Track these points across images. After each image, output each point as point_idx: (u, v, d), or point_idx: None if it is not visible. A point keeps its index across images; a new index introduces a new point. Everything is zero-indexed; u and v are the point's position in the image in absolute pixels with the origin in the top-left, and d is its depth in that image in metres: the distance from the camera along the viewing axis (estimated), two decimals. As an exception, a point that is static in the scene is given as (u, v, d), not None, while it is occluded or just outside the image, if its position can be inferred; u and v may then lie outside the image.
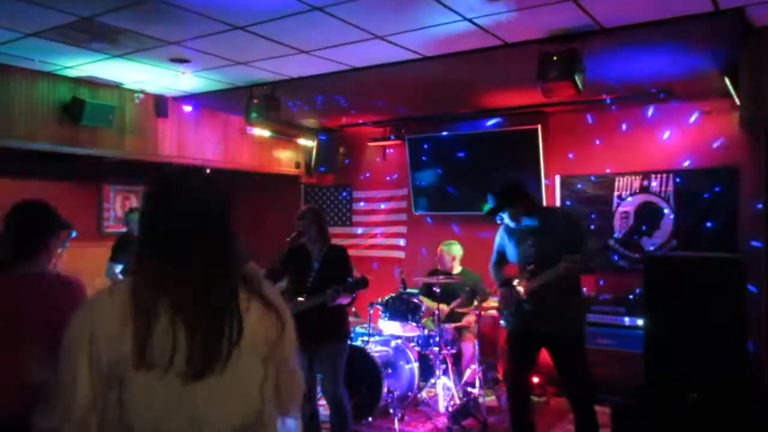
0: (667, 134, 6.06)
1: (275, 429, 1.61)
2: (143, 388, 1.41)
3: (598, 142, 6.44)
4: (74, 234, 2.61)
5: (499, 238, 4.30)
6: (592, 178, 6.39)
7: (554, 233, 3.88)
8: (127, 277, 1.51)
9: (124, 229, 6.42)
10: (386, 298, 5.78)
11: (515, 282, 4.03)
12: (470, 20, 4.01)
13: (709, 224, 5.76)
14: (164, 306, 1.42)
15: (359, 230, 8.16)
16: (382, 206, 7.99)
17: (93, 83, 5.75)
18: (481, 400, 5.36)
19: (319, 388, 4.41)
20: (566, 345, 3.89)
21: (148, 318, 1.40)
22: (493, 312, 6.17)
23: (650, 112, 6.13)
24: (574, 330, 3.92)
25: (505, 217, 4.05)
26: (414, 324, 5.56)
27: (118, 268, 5.69)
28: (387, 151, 7.86)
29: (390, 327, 5.72)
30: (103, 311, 1.44)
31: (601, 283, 6.24)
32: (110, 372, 1.42)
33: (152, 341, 1.39)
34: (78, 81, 5.65)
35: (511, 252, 4.15)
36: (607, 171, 6.34)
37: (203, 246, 1.49)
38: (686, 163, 5.94)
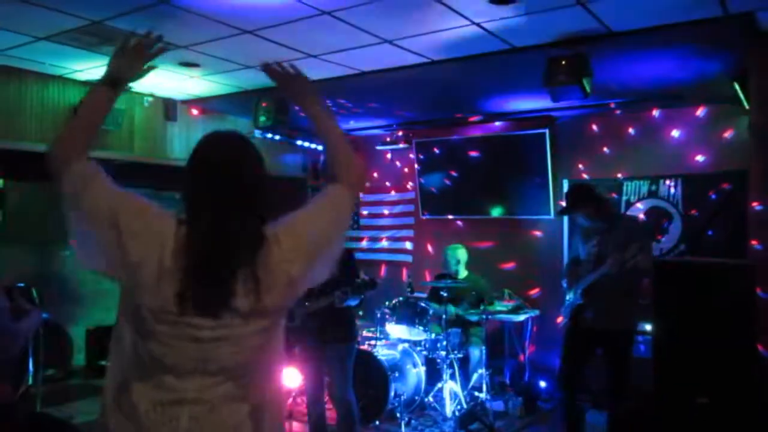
0: (675, 138, 6.04)
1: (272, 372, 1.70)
2: (164, 323, 1.51)
3: (606, 146, 6.42)
4: None
5: (576, 239, 4.61)
6: (601, 182, 6.37)
7: (617, 235, 4.14)
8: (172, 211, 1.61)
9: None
10: (393, 301, 5.78)
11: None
12: (479, 24, 4.01)
13: (717, 229, 5.73)
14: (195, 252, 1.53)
15: (366, 234, 8.17)
16: (390, 210, 8.00)
17: (103, 87, 5.79)
18: (488, 404, 5.34)
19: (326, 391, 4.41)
20: (614, 342, 4.15)
21: (195, 273, 1.51)
22: (500, 316, 6.17)
23: (658, 116, 6.12)
24: (623, 327, 4.16)
25: (580, 217, 4.34)
26: (421, 328, 5.55)
27: None
28: (394, 154, 7.86)
29: (397, 331, 5.71)
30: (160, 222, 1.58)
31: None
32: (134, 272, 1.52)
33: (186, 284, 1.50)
34: (88, 84, 5.69)
35: (581, 250, 4.42)
36: (616, 175, 6.32)
37: (233, 201, 1.58)
38: (695, 168, 5.91)
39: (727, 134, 5.76)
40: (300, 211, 1.71)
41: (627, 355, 4.18)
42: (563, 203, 4.55)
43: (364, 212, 8.20)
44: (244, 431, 1.58)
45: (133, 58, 1.81)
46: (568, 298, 4.49)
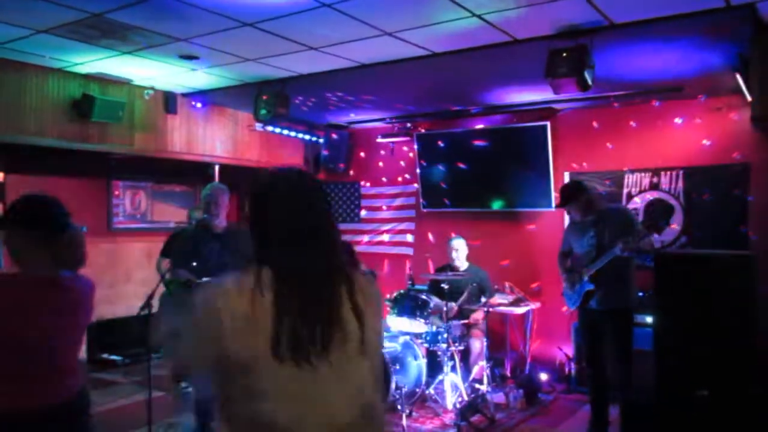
0: (677, 131, 6.03)
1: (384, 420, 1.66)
2: (274, 377, 1.45)
3: (607, 138, 6.41)
4: (84, 229, 2.60)
5: (566, 233, 5.03)
6: (602, 174, 6.37)
7: (611, 224, 4.54)
8: (243, 271, 1.54)
9: (173, 225, 6.41)
10: (394, 294, 5.79)
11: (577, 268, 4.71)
12: (479, 16, 4.00)
13: (719, 221, 5.73)
14: (291, 297, 1.48)
15: (367, 227, 8.17)
16: (391, 203, 8.00)
17: (103, 80, 5.78)
18: (489, 396, 5.36)
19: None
20: (614, 320, 4.51)
21: (285, 310, 1.46)
22: (501, 309, 6.18)
23: (660, 108, 6.10)
24: (625, 306, 4.55)
25: (572, 210, 4.75)
26: (422, 320, 5.56)
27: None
28: (395, 147, 7.85)
29: (398, 323, 5.72)
30: (233, 302, 1.48)
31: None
32: (236, 362, 1.46)
33: (285, 332, 1.45)
34: (88, 77, 5.69)
35: (576, 243, 4.77)
36: (617, 168, 6.31)
37: (314, 240, 1.56)
38: (696, 160, 5.90)
39: (729, 126, 5.75)
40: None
41: (629, 337, 4.54)
42: (557, 199, 4.87)
43: (365, 205, 8.20)
44: None
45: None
46: (566, 286, 4.85)
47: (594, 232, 4.61)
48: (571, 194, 4.70)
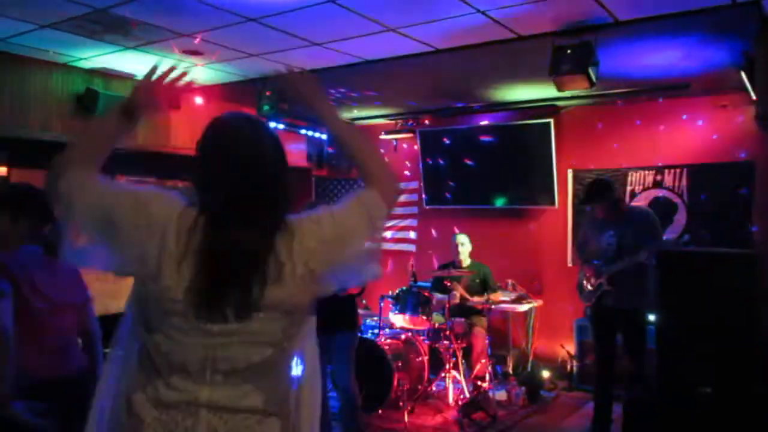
0: (681, 129, 6.01)
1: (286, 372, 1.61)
2: (176, 321, 1.46)
3: (610, 136, 6.40)
4: None
5: (585, 227, 5.01)
6: (605, 172, 6.35)
7: (633, 227, 4.54)
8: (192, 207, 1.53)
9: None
10: (397, 291, 5.79)
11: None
12: (484, 12, 3.99)
13: (722, 219, 5.71)
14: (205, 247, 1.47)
15: (370, 223, 8.16)
16: (393, 199, 7.98)
17: (106, 74, 5.78)
18: (491, 393, 5.36)
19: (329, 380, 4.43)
20: (634, 320, 4.54)
21: (208, 263, 1.45)
22: (503, 306, 6.18)
23: (664, 106, 6.08)
24: (639, 305, 4.58)
25: (597, 208, 4.72)
26: (424, 317, 5.56)
27: None
28: (398, 144, 7.85)
29: (400, 320, 5.73)
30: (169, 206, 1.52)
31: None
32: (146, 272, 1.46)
33: (203, 284, 1.44)
34: (92, 72, 5.68)
35: (594, 239, 4.76)
36: (620, 165, 6.30)
37: (247, 194, 1.51)
38: (700, 158, 5.88)
39: (733, 124, 5.73)
40: (326, 207, 1.63)
41: (643, 335, 4.59)
42: (584, 194, 4.89)
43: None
44: None
45: (151, 92, 1.74)
46: (582, 279, 4.83)
47: (614, 232, 4.61)
48: (600, 192, 4.66)
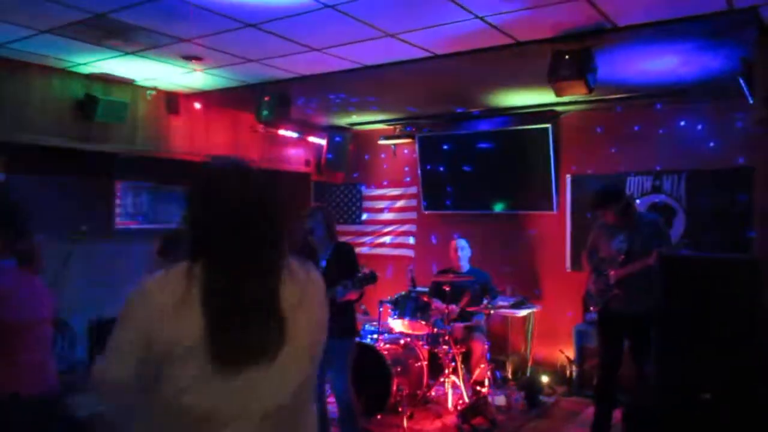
0: (679, 134, 6.02)
1: (311, 411, 1.69)
2: (196, 374, 1.46)
3: (609, 141, 6.40)
4: (84, 231, 2.88)
5: (595, 233, 4.95)
6: (604, 177, 6.36)
7: (643, 232, 4.58)
8: (179, 265, 1.54)
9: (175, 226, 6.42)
10: (396, 296, 5.79)
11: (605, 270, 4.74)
12: (482, 18, 4.00)
13: (721, 224, 5.72)
14: (221, 296, 1.49)
15: (369, 228, 8.17)
16: (392, 205, 8.00)
17: (106, 80, 5.79)
18: (490, 398, 5.35)
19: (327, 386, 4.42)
20: (642, 324, 4.47)
21: (217, 310, 1.47)
22: (502, 311, 6.18)
23: (662, 111, 6.10)
24: (646, 310, 4.44)
25: (607, 214, 4.70)
26: (423, 322, 5.56)
27: None
28: (397, 149, 7.86)
29: (399, 325, 5.72)
30: (161, 294, 1.50)
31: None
32: (161, 352, 1.47)
33: (217, 332, 1.46)
34: (91, 78, 5.69)
35: (605, 245, 4.78)
36: (619, 170, 6.31)
37: (246, 242, 1.54)
38: (699, 163, 5.89)
39: (732, 130, 5.74)
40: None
41: (650, 339, 4.50)
42: (594, 200, 4.85)
43: (367, 207, 8.20)
44: None
45: None
46: (592, 287, 4.84)
47: (624, 237, 4.64)
48: (611, 198, 4.67)
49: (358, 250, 4.56)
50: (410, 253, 7.80)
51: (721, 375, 3.56)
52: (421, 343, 5.67)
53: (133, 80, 5.93)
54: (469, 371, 5.67)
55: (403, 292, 5.83)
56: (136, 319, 1.50)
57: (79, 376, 6.42)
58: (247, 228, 1.54)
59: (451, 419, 5.20)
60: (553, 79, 4.31)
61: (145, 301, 1.50)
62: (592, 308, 4.98)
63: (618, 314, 4.64)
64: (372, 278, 4.08)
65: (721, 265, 3.84)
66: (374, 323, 6.31)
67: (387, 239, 8.03)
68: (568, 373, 6.24)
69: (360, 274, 4.07)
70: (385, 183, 8.07)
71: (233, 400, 1.47)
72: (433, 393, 5.62)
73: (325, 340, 1.72)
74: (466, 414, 5.05)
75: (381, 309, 6.07)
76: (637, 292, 4.51)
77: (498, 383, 5.83)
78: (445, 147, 7.25)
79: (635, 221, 4.67)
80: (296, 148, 7.98)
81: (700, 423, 3.56)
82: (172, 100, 6.38)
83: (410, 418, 5.18)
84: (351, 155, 8.15)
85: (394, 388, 5.20)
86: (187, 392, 1.45)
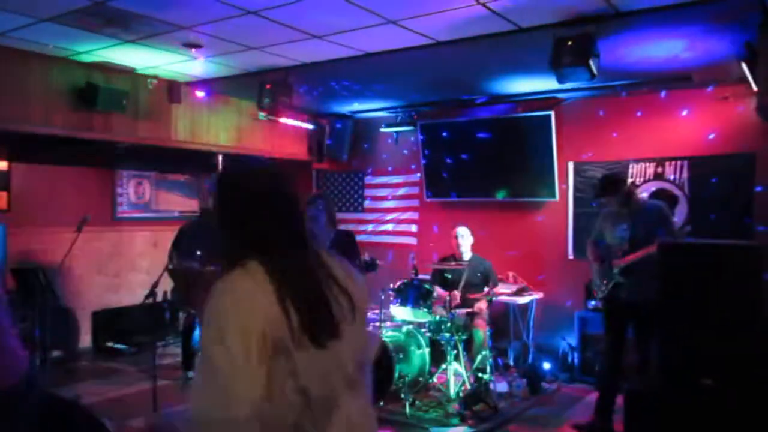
0: (682, 120, 6.00)
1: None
2: (305, 356, 1.50)
3: (611, 128, 6.38)
4: (88, 218, 2.72)
5: (600, 220, 5.00)
6: (606, 164, 6.35)
7: (646, 220, 4.59)
8: (248, 265, 1.55)
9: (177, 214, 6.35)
10: (398, 284, 5.80)
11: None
12: (483, 4, 3.97)
13: (723, 211, 5.71)
14: (293, 290, 1.53)
15: (371, 216, 8.17)
16: (394, 192, 7.99)
17: (107, 68, 5.78)
18: (492, 386, 5.37)
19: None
20: (644, 312, 4.52)
21: (291, 302, 1.50)
22: (505, 298, 6.19)
23: (665, 98, 6.07)
24: (649, 298, 4.41)
25: (610, 202, 4.77)
26: (426, 310, 5.57)
27: None
28: (399, 137, 7.84)
29: (402, 312, 5.73)
30: (258, 296, 1.49)
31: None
32: (275, 349, 1.47)
33: (296, 324, 1.49)
34: (92, 66, 5.68)
35: (609, 233, 4.81)
36: (621, 157, 6.29)
37: (295, 232, 1.63)
38: (701, 150, 5.87)
39: (735, 116, 5.72)
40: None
41: (653, 327, 4.53)
42: (596, 188, 4.93)
43: (369, 194, 8.20)
44: None
45: None
46: (595, 275, 4.87)
47: (627, 225, 4.66)
48: (613, 186, 4.72)
49: (359, 237, 4.56)
50: (412, 240, 7.81)
51: (722, 361, 3.56)
52: (423, 330, 5.68)
53: (134, 69, 5.92)
54: (471, 358, 5.68)
55: (405, 280, 5.84)
56: (248, 324, 1.44)
57: (82, 366, 6.49)
58: (291, 219, 1.63)
59: (453, 406, 5.22)
60: (556, 65, 4.29)
61: (246, 304, 1.47)
62: (597, 296, 5.01)
63: (622, 302, 4.66)
64: (372, 265, 4.09)
65: (723, 252, 3.84)
66: (376, 311, 6.33)
67: (389, 227, 8.03)
68: (569, 360, 6.26)
69: (361, 262, 4.08)
70: (386, 171, 8.06)
71: (334, 373, 1.57)
72: (435, 380, 5.64)
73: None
74: (468, 401, 5.07)
75: (383, 296, 6.08)
76: (641, 280, 4.51)
77: (500, 370, 5.85)
78: (447, 134, 7.23)
79: (638, 209, 4.69)
80: (298, 135, 7.97)
81: (701, 408, 3.57)
82: (173, 89, 6.36)
83: (412, 405, 5.21)
84: (352, 143, 8.13)
85: (397, 375, 5.22)
86: (299, 379, 1.49)
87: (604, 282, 4.76)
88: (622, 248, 4.66)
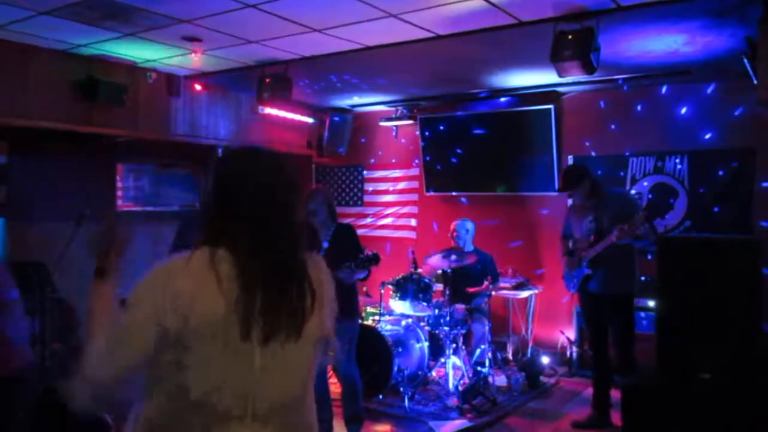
0: (682, 115, 5.99)
1: (312, 407, 1.65)
2: (207, 353, 1.42)
3: (611, 122, 6.38)
4: (88, 213, 2.74)
5: (567, 216, 5.02)
6: (606, 158, 6.34)
7: (610, 210, 4.57)
8: (199, 247, 1.51)
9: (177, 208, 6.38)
10: (397, 278, 5.81)
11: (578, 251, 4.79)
12: (484, -2, 3.96)
13: (723, 206, 5.71)
14: (250, 275, 1.46)
15: (371, 210, 8.17)
16: (394, 186, 7.99)
17: (106, 62, 5.76)
18: (490, 379, 5.39)
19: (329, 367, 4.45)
20: (615, 305, 4.55)
21: (249, 287, 1.44)
22: (504, 292, 6.20)
23: (666, 92, 6.06)
24: (623, 292, 4.57)
25: (575, 194, 4.78)
26: (425, 304, 5.58)
27: None
28: (399, 131, 7.83)
29: (401, 306, 5.74)
30: (180, 274, 1.46)
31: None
32: (176, 333, 1.41)
33: (250, 310, 1.43)
34: (91, 60, 5.66)
35: (576, 227, 4.82)
36: (621, 151, 6.29)
37: (279, 222, 1.53)
38: (701, 144, 5.87)
39: (735, 110, 5.71)
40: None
41: (630, 322, 4.60)
42: (561, 183, 4.87)
43: (369, 189, 8.19)
44: None
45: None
46: (566, 269, 4.93)
47: (593, 217, 4.65)
48: (575, 178, 4.70)
49: (358, 231, 4.56)
50: (412, 234, 7.81)
51: (719, 355, 3.57)
52: (422, 324, 5.69)
53: (134, 62, 5.90)
54: (470, 352, 5.70)
55: (404, 274, 5.84)
56: (157, 297, 1.44)
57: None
58: (276, 205, 1.54)
59: (452, 400, 5.24)
60: (556, 59, 4.28)
61: (169, 280, 1.46)
62: (570, 291, 5.02)
63: (594, 296, 4.67)
64: (375, 259, 4.09)
65: (721, 246, 3.84)
66: (376, 305, 6.34)
67: (388, 221, 8.04)
68: (568, 354, 6.28)
69: (363, 256, 4.08)
70: (386, 165, 8.06)
71: (246, 387, 1.46)
72: (434, 374, 5.66)
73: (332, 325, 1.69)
74: (466, 395, 5.09)
75: (383, 290, 6.09)
76: (611, 272, 4.53)
77: (499, 364, 5.86)
78: (447, 128, 7.22)
79: (602, 200, 4.66)
80: (297, 129, 7.95)
81: (699, 402, 3.58)
82: (172, 82, 6.35)
83: (411, 398, 5.22)
84: (352, 137, 8.12)
85: (396, 369, 5.23)
86: (189, 373, 1.42)
87: (574, 275, 4.78)
88: (588, 241, 4.66)
